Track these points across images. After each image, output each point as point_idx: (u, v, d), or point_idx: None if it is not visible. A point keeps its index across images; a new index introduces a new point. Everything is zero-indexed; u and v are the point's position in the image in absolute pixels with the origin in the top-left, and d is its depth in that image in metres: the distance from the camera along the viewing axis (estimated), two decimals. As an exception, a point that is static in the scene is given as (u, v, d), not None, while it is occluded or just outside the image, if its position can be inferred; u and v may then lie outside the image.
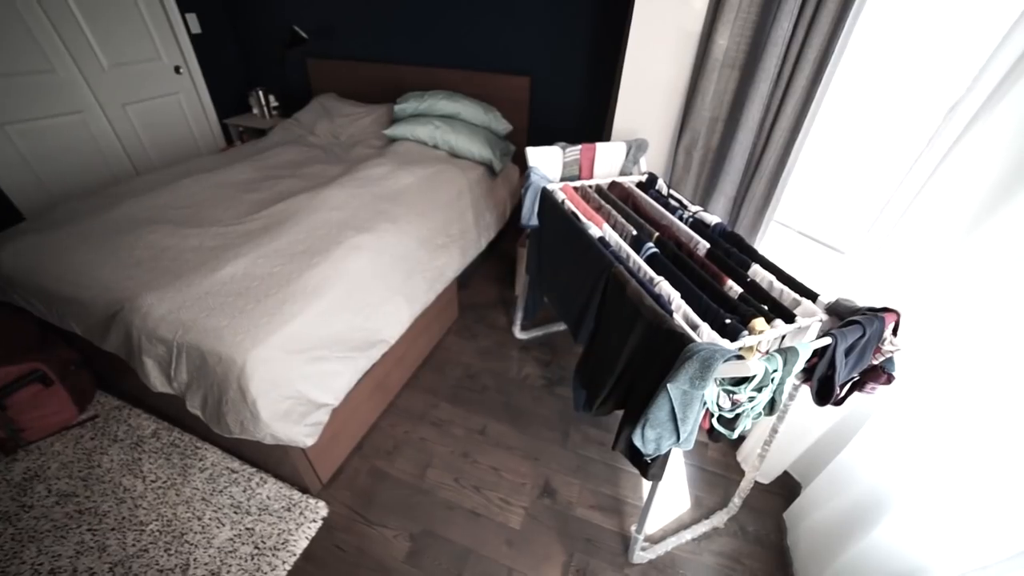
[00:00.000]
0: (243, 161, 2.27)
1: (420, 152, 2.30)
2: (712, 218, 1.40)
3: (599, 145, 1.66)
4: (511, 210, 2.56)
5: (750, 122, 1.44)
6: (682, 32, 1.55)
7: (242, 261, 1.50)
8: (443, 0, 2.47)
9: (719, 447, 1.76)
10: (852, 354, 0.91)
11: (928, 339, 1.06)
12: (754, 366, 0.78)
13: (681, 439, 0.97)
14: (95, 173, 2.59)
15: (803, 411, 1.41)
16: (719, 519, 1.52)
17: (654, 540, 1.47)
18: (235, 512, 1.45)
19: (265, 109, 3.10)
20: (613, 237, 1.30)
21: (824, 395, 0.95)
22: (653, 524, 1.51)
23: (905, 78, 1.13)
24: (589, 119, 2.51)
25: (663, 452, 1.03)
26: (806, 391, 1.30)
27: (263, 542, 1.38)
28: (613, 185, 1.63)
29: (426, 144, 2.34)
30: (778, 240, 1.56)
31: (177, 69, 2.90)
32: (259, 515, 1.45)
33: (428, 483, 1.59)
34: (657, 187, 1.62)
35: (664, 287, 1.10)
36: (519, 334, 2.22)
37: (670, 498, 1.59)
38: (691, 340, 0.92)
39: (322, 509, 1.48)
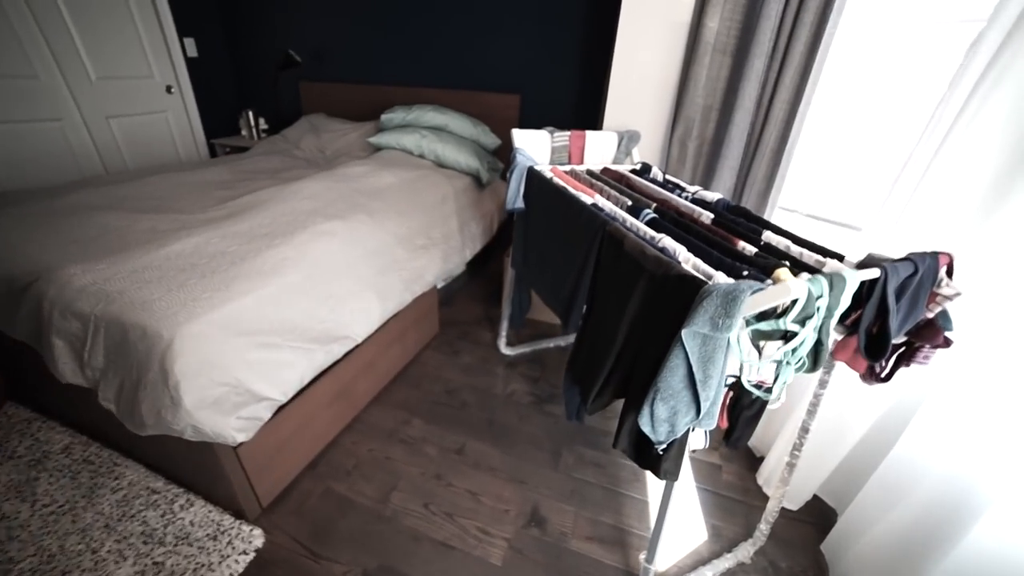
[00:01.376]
0: (220, 165, 2.18)
1: (405, 160, 2.23)
2: (714, 195, 1.28)
3: (589, 133, 1.58)
4: (499, 225, 2.45)
5: (746, 102, 1.38)
6: (671, 24, 1.54)
7: (194, 239, 1.34)
8: (436, 22, 2.53)
9: (735, 469, 1.52)
10: (904, 299, 0.75)
11: (980, 303, 0.90)
12: (796, 287, 0.61)
13: (702, 412, 0.77)
14: (66, 180, 2.47)
15: (830, 421, 1.21)
16: (744, 552, 1.25)
17: (667, 579, 1.19)
18: (144, 542, 1.16)
19: (254, 131, 3.07)
20: (607, 204, 1.16)
21: (874, 351, 0.77)
22: (666, 559, 1.24)
23: (917, 18, 1.06)
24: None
25: (679, 434, 0.82)
26: (837, 386, 1.12)
27: (173, 579, 1.08)
28: (605, 170, 1.53)
29: (411, 153, 2.27)
30: (785, 227, 1.43)
31: (169, 89, 2.90)
32: (175, 545, 1.16)
33: (391, 509, 1.32)
34: (652, 174, 1.52)
35: (668, 242, 0.94)
36: (505, 349, 2.01)
37: (684, 528, 1.32)
38: (705, 283, 0.75)
39: (257, 538, 1.19)
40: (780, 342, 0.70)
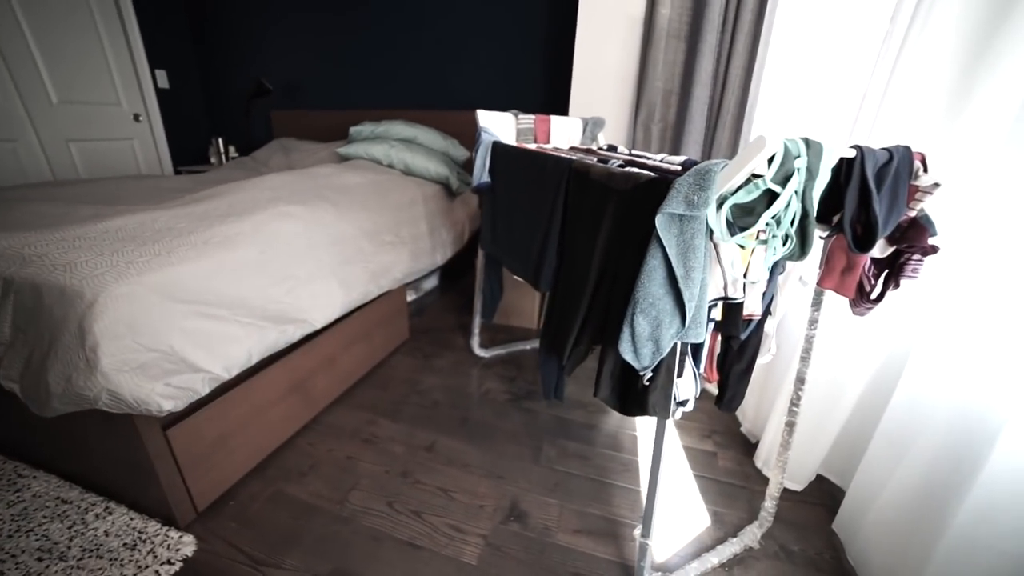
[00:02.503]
0: (182, 177, 2.12)
1: (372, 167, 2.20)
2: (679, 158, 1.28)
3: (554, 117, 1.60)
4: (470, 235, 2.41)
5: (703, 76, 1.43)
6: (627, 16, 1.62)
7: (139, 216, 1.24)
8: (406, 49, 2.64)
9: (732, 455, 1.40)
10: (884, 191, 0.71)
11: (956, 220, 0.89)
12: (771, 141, 0.57)
13: (688, 317, 0.70)
14: (12, 202, 2.35)
15: (823, 387, 1.14)
16: (751, 536, 1.12)
17: (669, 569, 1.04)
18: (39, 559, 0.95)
19: (223, 158, 3.05)
20: (574, 156, 1.14)
21: (862, 242, 0.72)
22: (665, 547, 1.09)
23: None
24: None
25: (664, 352, 0.74)
26: (826, 345, 1.07)
27: (70, 598, 0.88)
28: (572, 148, 1.53)
29: (380, 162, 2.26)
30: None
31: (137, 117, 2.88)
32: (79, 560, 0.95)
33: (350, 509, 1.14)
34: (618, 152, 1.53)
35: (636, 170, 0.91)
36: (479, 351, 1.90)
37: (683, 514, 1.19)
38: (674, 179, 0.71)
39: (187, 546, 1.00)
40: (762, 225, 0.65)
